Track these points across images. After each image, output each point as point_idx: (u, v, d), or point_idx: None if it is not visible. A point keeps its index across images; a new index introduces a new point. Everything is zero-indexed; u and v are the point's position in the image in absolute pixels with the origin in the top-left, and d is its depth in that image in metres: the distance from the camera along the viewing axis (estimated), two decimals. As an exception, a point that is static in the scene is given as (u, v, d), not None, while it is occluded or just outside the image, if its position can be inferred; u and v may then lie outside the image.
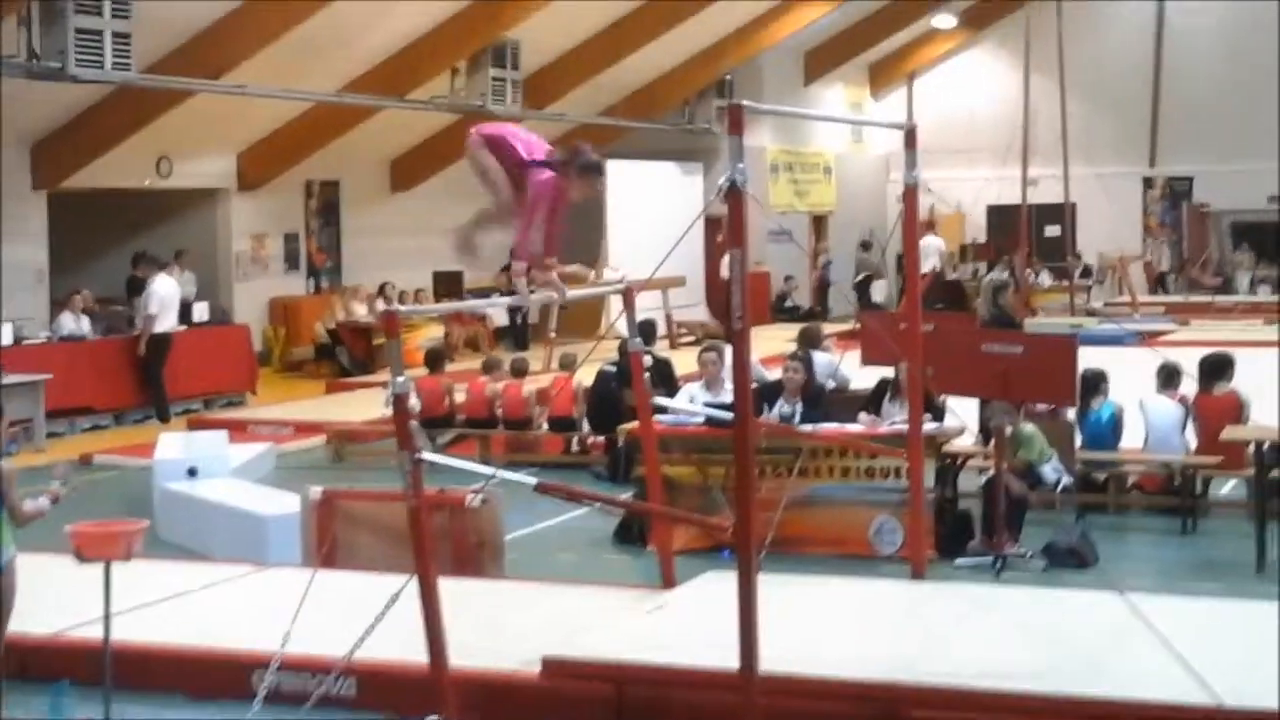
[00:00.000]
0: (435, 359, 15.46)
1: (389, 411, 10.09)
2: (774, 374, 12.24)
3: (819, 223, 30.67)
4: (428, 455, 6.96)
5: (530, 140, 7.54)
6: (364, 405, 16.05)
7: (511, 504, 9.23)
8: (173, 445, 12.06)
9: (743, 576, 6.28)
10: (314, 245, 22.85)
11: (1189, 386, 11.52)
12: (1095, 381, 11.47)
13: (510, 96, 20.79)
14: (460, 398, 14.88)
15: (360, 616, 6.76)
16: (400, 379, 6.70)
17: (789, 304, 28.15)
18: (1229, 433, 10.45)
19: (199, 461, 11.41)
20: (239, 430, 15.21)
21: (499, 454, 14.42)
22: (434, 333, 21.37)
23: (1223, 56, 30.26)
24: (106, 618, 6.57)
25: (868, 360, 12.14)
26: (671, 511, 8.94)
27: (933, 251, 26.71)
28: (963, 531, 10.17)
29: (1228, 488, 11.77)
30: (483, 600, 8.04)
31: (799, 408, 10.88)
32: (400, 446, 6.61)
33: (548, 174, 7.37)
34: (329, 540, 8.79)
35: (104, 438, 16.07)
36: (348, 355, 21.12)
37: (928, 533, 9.42)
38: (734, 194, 6.50)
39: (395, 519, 7.72)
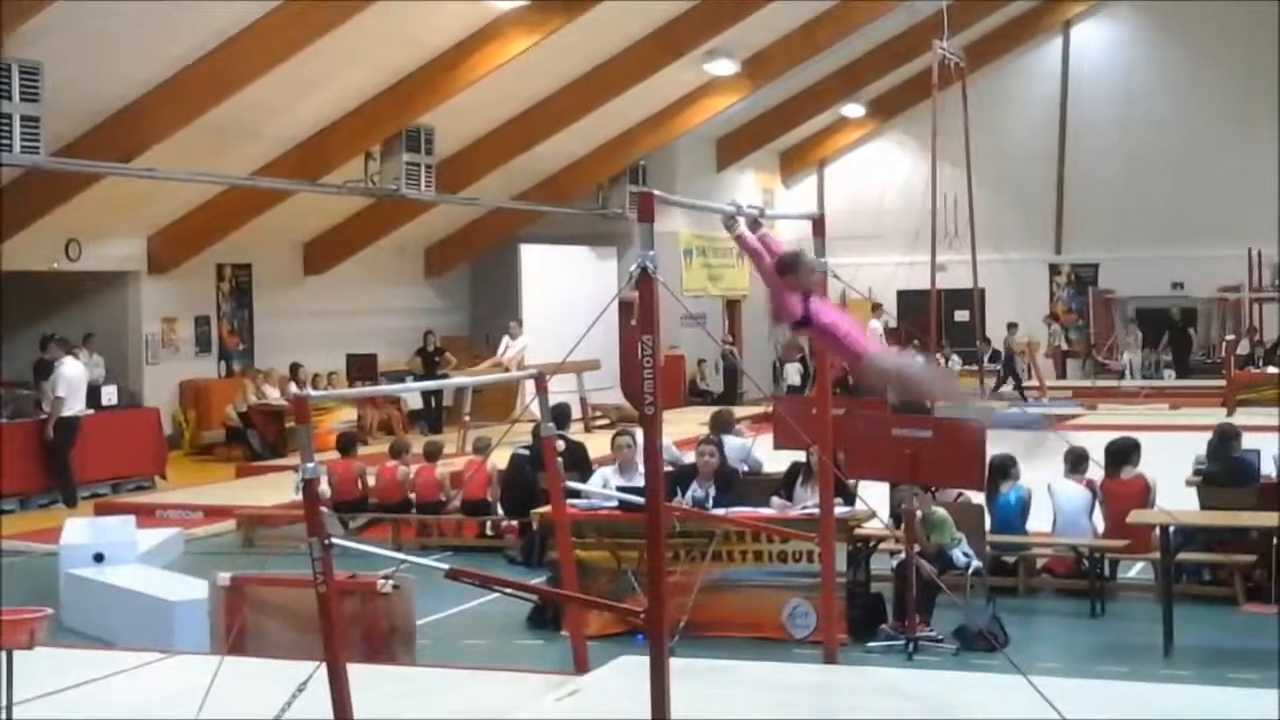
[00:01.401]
0: (348, 443, 15.39)
1: (300, 496, 10.01)
2: (688, 457, 12.27)
3: (732, 307, 30.88)
4: (338, 541, 6.91)
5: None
6: (275, 489, 15.90)
7: (423, 589, 9.16)
8: (79, 530, 11.89)
9: (655, 661, 6.27)
10: (226, 328, 22.71)
11: (1096, 471, 11.67)
12: (1005, 467, 11.62)
13: (424, 181, 20.84)
14: (373, 481, 14.79)
15: (268, 704, 6.68)
16: (310, 464, 6.66)
17: (703, 387, 28.28)
18: (1136, 516, 10.60)
19: (106, 547, 11.25)
20: (147, 515, 15.03)
21: (412, 538, 14.37)
22: (347, 415, 21.29)
23: (1125, 148, 30.98)
24: (8, 707, 6.44)
25: (780, 444, 12.20)
26: (583, 597, 8.90)
27: (877, 334, 26.89)
28: (875, 614, 10.21)
29: (1135, 570, 11.91)
30: (393, 687, 7.96)
31: (712, 491, 10.91)
32: (310, 532, 6.57)
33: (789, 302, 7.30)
34: (237, 626, 8.68)
35: (9, 523, 15.79)
36: (259, 438, 20.95)
37: (840, 616, 9.45)
38: (645, 280, 6.55)
39: (305, 605, 7.63)
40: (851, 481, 10.40)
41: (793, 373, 30.29)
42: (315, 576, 6.55)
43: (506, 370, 21.25)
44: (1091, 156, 31.35)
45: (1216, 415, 19.97)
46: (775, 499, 10.83)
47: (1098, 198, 31.10)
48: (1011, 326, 28.73)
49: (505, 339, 22.74)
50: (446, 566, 7.07)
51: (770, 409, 15.68)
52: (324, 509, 7.25)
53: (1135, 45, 31.75)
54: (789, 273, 7.32)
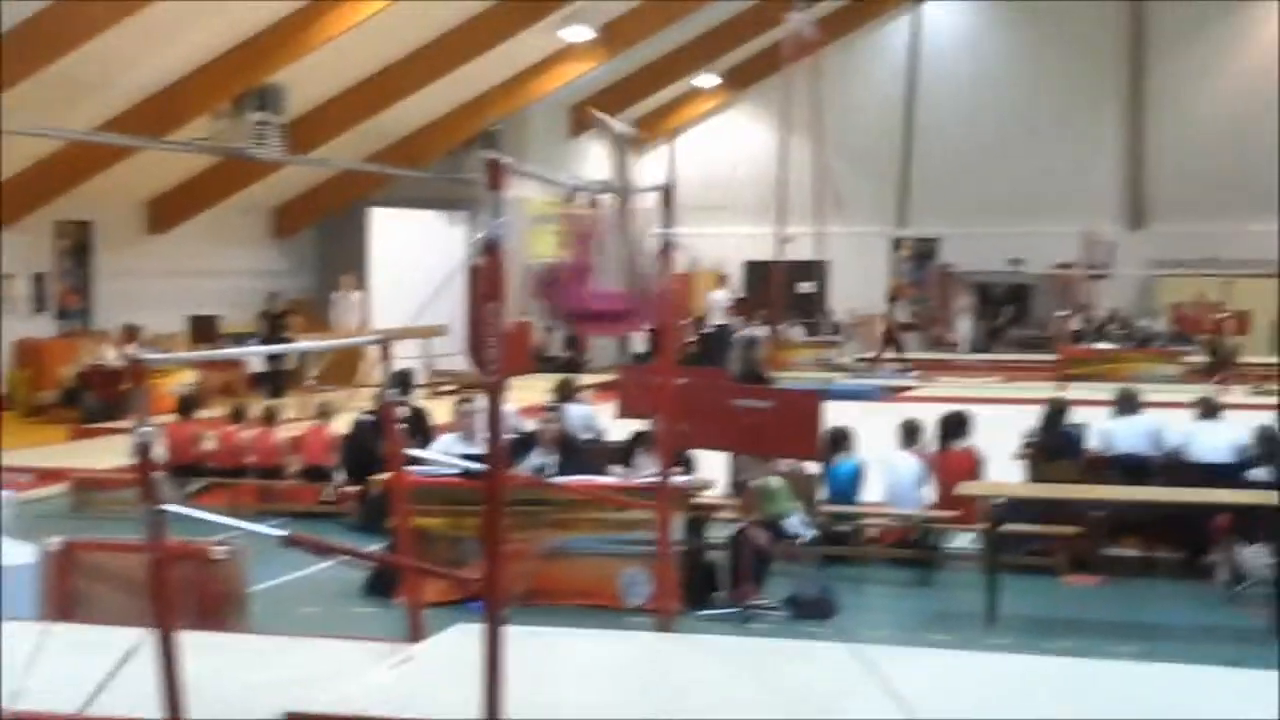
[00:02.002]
0: (187, 405, 15.18)
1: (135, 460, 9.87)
2: (531, 425, 12.33)
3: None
4: (172, 507, 6.86)
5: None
6: (110, 452, 15.61)
7: (260, 555, 9.11)
8: (-96, 493, 11.59)
9: (490, 629, 6.32)
10: (64, 287, 22.21)
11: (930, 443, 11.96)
12: (839, 439, 11.87)
13: (273, 140, 20.55)
14: (211, 445, 14.63)
15: (98, 670, 6.62)
16: (144, 429, 6.59)
17: (550, 354, 28.29)
18: (964, 488, 10.88)
19: (-69, 510, 10.99)
20: (-24, 477, 14.68)
21: (249, 503, 14.24)
22: (187, 378, 20.94)
23: (969, 125, 31.59)
24: None
25: (623, 413, 12.31)
26: (419, 565, 8.91)
27: (721, 305, 27.14)
28: (710, 583, 10.37)
29: (964, 541, 12.22)
30: (226, 654, 7.91)
31: (553, 460, 10.99)
32: (142, 498, 6.51)
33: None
34: (68, 592, 8.57)
35: None
36: (95, 400, 20.54)
37: (675, 585, 9.58)
38: (492, 248, 6.58)
39: (137, 570, 7.54)
40: (690, 451, 10.55)
41: (638, 340, 30.48)
42: (146, 542, 6.49)
43: (353, 333, 21.10)
44: (937, 132, 31.91)
45: (1048, 389, 20.46)
46: (615, 467, 10.93)
47: (942, 173, 31.69)
48: (892, 300, 29.21)
49: (338, 300, 22.58)
50: (283, 532, 7.05)
51: (615, 376, 15.80)
52: (159, 473, 7.18)
53: (982, 25, 32.36)
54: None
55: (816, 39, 24.12)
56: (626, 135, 7.68)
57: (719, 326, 26.88)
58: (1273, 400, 13.51)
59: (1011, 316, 31.43)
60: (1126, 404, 12.25)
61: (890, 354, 27.91)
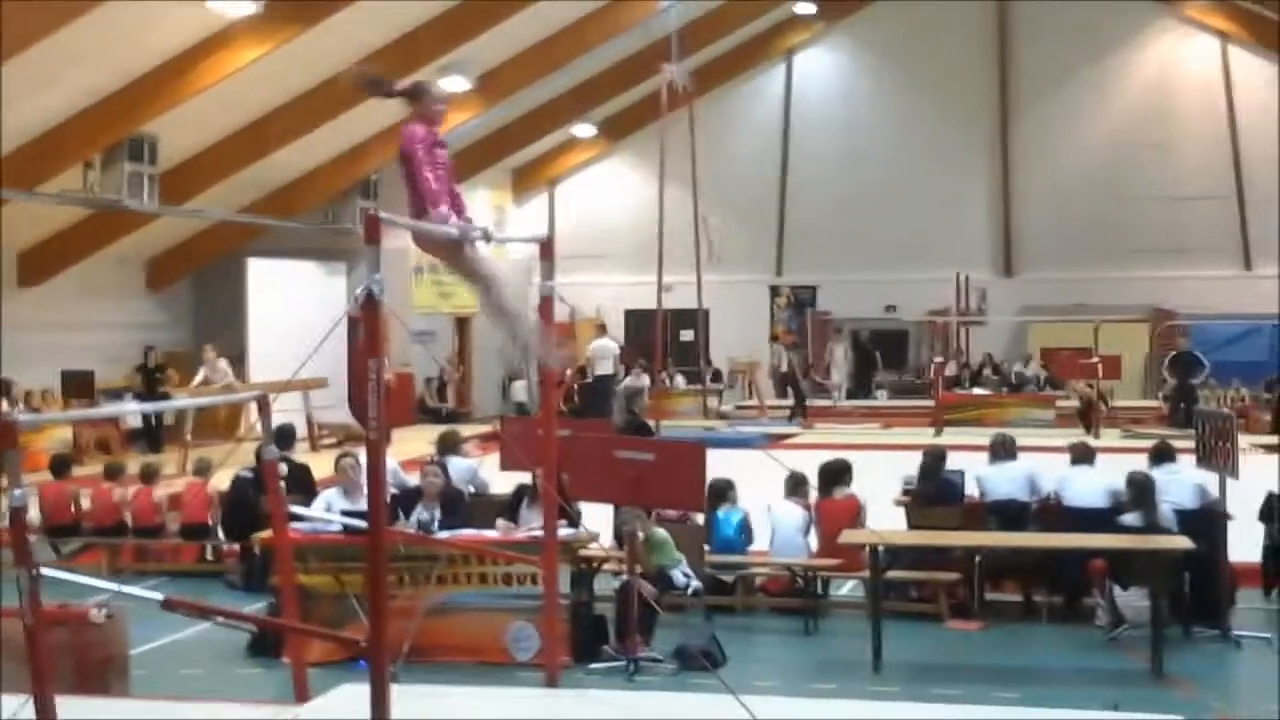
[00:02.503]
0: (60, 465, 14.89)
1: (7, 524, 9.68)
2: (414, 479, 12.25)
3: (463, 324, 30.87)
4: (47, 570, 6.73)
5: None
6: (-18, 512, 15.27)
7: (139, 617, 8.95)
8: None
9: (375, 689, 6.28)
10: (-70, 342, 21.68)
11: (813, 492, 12.05)
12: (723, 490, 11.94)
13: (147, 191, 20.30)
14: (87, 504, 14.35)
15: (-28, 741, 6.46)
16: (18, 492, 6.47)
17: (432, 405, 28.18)
18: (847, 536, 10.98)
19: None
20: None
21: (129, 563, 14.00)
22: (61, 434, 20.55)
23: (843, 174, 32.01)
24: None
25: (507, 466, 12.27)
26: (302, 626, 8.82)
27: (608, 353, 27.20)
28: (597, 636, 10.35)
29: (847, 588, 12.34)
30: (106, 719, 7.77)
31: (437, 514, 10.93)
32: (17, 562, 6.39)
33: (406, 128, 7.56)
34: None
35: None
36: (-35, 458, 20.05)
37: (563, 638, 9.57)
38: (370, 303, 6.57)
39: (13, 636, 7.40)
40: (575, 503, 10.54)
41: (520, 390, 30.50)
42: (22, 607, 6.37)
43: (231, 389, 20.85)
44: (812, 182, 32.31)
45: (925, 435, 20.78)
46: (500, 521, 10.89)
47: (817, 221, 32.05)
48: (794, 347, 29.49)
49: (202, 371, 22.20)
50: (161, 596, 6.96)
51: (497, 428, 15.76)
52: (33, 535, 7.04)
53: (854, 74, 32.84)
54: (415, 99, 7.47)
55: (690, 90, 24.40)
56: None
57: (602, 376, 26.92)
58: (1144, 444, 13.78)
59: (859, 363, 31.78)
60: (1002, 450, 12.44)
61: (791, 398, 28.07)
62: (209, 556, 14.02)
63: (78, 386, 22.62)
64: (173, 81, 19.26)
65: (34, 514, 13.17)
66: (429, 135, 7.56)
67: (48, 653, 6.51)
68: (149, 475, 14.46)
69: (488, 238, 7.83)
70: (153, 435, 22.89)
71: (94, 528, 14.25)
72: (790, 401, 28.00)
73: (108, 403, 21.72)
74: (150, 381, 22.70)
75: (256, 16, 18.59)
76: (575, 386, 27.00)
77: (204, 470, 14.55)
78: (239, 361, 23.30)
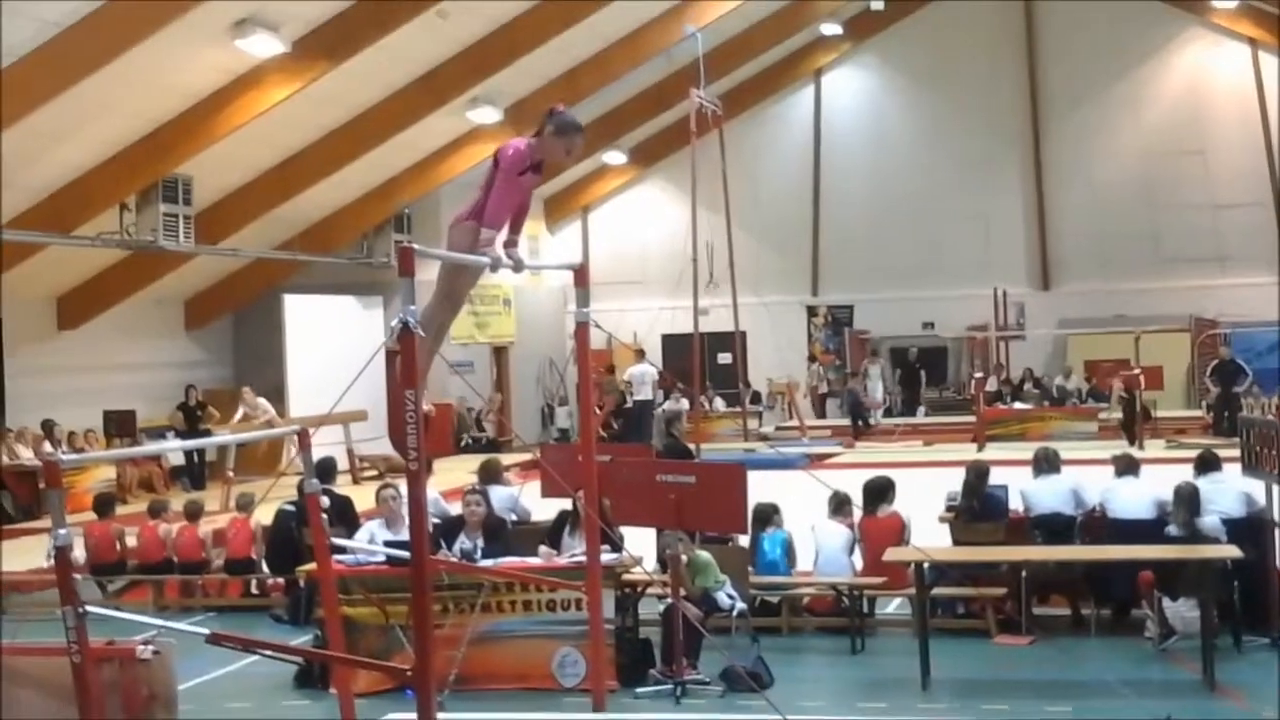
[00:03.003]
0: (104, 504, 14.97)
1: (53, 563, 9.73)
2: (456, 508, 12.26)
3: (500, 354, 30.93)
4: (93, 608, 6.76)
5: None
6: (30, 552, 15.34)
7: (186, 652, 8.96)
8: None
9: (422, 717, 6.27)
10: (-25, 386, 21.86)
11: (856, 511, 12.01)
12: (768, 514, 11.93)
13: (182, 232, 20.44)
14: (132, 542, 14.42)
15: (23, 780, 6.48)
16: (62, 531, 6.50)
17: (472, 436, 28.22)
18: (891, 554, 10.93)
19: None
20: (-109, 584, 14.35)
21: (174, 599, 14.07)
22: (105, 474, 20.69)
23: (875, 192, 31.96)
24: None
25: (547, 493, 12.28)
26: (348, 657, 8.82)
27: (646, 379, 27.20)
28: (643, 660, 10.33)
29: (893, 606, 12.27)
30: (155, 756, 7.78)
31: (480, 542, 10.92)
32: (63, 601, 6.41)
33: (521, 141, 7.45)
34: (-11, 700, 8.38)
35: None
36: (12, 500, 20.20)
37: (609, 663, 9.55)
38: (406, 335, 6.59)
39: (61, 674, 7.41)
40: (617, 528, 10.53)
41: (563, 416, 30.55)
42: (69, 645, 6.39)
43: (271, 424, 20.93)
44: (844, 201, 32.27)
45: (967, 451, 20.67)
46: (542, 548, 10.89)
47: (851, 241, 32.02)
48: (837, 367, 29.55)
49: (241, 410, 22.36)
50: (206, 631, 6.98)
51: (538, 456, 15.76)
52: (79, 574, 7.08)
53: (882, 92, 32.82)
54: (556, 131, 7.46)
55: (720, 114, 24.43)
56: None
57: (642, 401, 26.95)
58: (1189, 454, 13.67)
59: (905, 381, 31.61)
60: (1046, 463, 12.36)
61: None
62: (254, 591, 14.07)
63: (120, 426, 22.78)
64: (204, 122, 19.40)
65: (79, 553, 13.25)
66: (529, 161, 7.45)
67: (96, 690, 6.54)
68: (193, 512, 14.52)
69: (519, 267, 7.81)
70: (195, 472, 23.01)
71: (139, 565, 14.32)
72: (829, 421, 27.96)
73: (150, 441, 21.83)
74: (191, 419, 22.82)
75: (284, 56, 18.72)
76: (614, 412, 27.04)
77: (246, 505, 14.58)
78: (278, 397, 23.40)
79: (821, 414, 31.34)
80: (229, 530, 14.16)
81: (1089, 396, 28.29)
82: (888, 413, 30.03)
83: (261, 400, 22.52)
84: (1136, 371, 24.19)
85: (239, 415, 22.18)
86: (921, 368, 31.26)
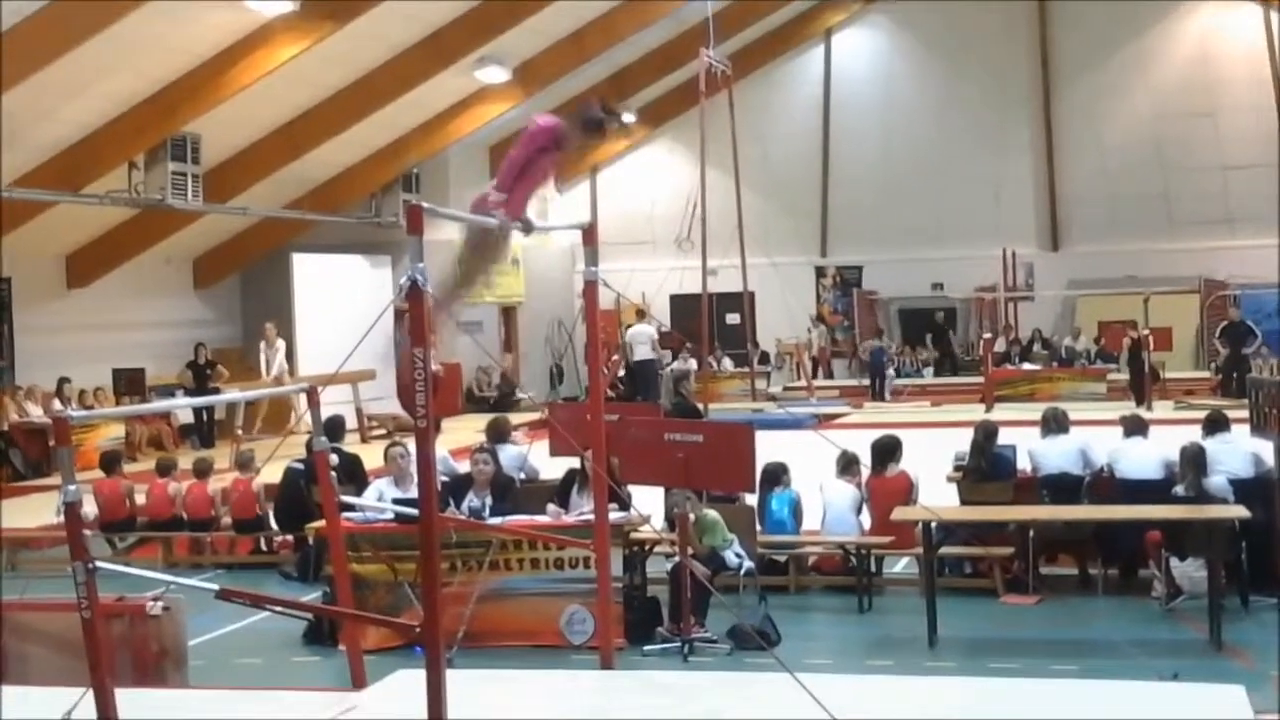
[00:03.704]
0: (112, 461, 15.01)
1: (63, 519, 9.76)
2: (464, 467, 12.29)
3: (509, 313, 30.94)
4: (103, 564, 6.79)
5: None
6: (40, 510, 15.44)
7: (196, 608, 9.01)
8: None
9: (431, 674, 6.30)
10: (-16, 345, 21.92)
11: (864, 470, 12.01)
12: (777, 473, 11.93)
13: (191, 190, 20.43)
14: (142, 499, 14.47)
15: (34, 734, 6.52)
16: (72, 487, 6.52)
17: (481, 394, 28.26)
18: (899, 513, 10.94)
19: None
20: (-99, 540, 14.43)
21: (183, 556, 14.12)
22: (114, 432, 20.76)
23: (885, 153, 31.87)
24: None
25: (556, 451, 12.29)
26: (357, 613, 8.86)
27: (645, 338, 27.21)
28: (651, 618, 10.36)
29: (900, 565, 12.29)
30: (165, 711, 7.82)
31: (488, 501, 10.95)
32: (73, 556, 6.44)
33: (548, 120, 7.58)
34: (0, 655, 8.43)
35: None
36: (22, 458, 20.28)
37: (617, 621, 9.57)
38: (415, 293, 6.57)
39: (71, 630, 7.46)
40: (625, 486, 10.54)
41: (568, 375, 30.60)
42: (79, 601, 6.42)
43: (280, 381, 20.98)
44: (854, 161, 32.20)
45: (975, 411, 20.67)
46: (551, 506, 10.90)
47: (860, 201, 31.96)
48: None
49: (262, 350, 22.60)
50: (216, 587, 7.00)
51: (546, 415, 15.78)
52: (89, 530, 7.10)
53: (893, 53, 32.69)
54: (594, 129, 7.62)
55: (729, 73, 24.34)
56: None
57: (643, 361, 26.95)
58: (1197, 415, 13.66)
59: (938, 343, 31.58)
60: (1054, 423, 12.35)
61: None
62: (263, 548, 14.12)
63: (129, 384, 22.85)
64: (212, 81, 19.38)
65: (89, 509, 13.29)
66: (552, 140, 7.58)
67: (106, 646, 6.57)
68: (202, 470, 14.56)
69: (528, 229, 7.83)
70: (204, 430, 23.08)
71: (149, 522, 14.36)
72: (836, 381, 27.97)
73: (159, 399, 21.88)
74: (200, 377, 22.87)
75: (293, 15, 18.67)
76: (620, 372, 27.04)
77: (246, 464, 14.57)
78: (286, 356, 23.44)
79: (829, 374, 31.35)
80: (232, 491, 14.19)
81: (1098, 357, 28.27)
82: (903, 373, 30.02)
83: (281, 342, 22.72)
84: (1145, 332, 24.14)
85: (263, 359, 22.46)
86: (949, 327, 31.25)
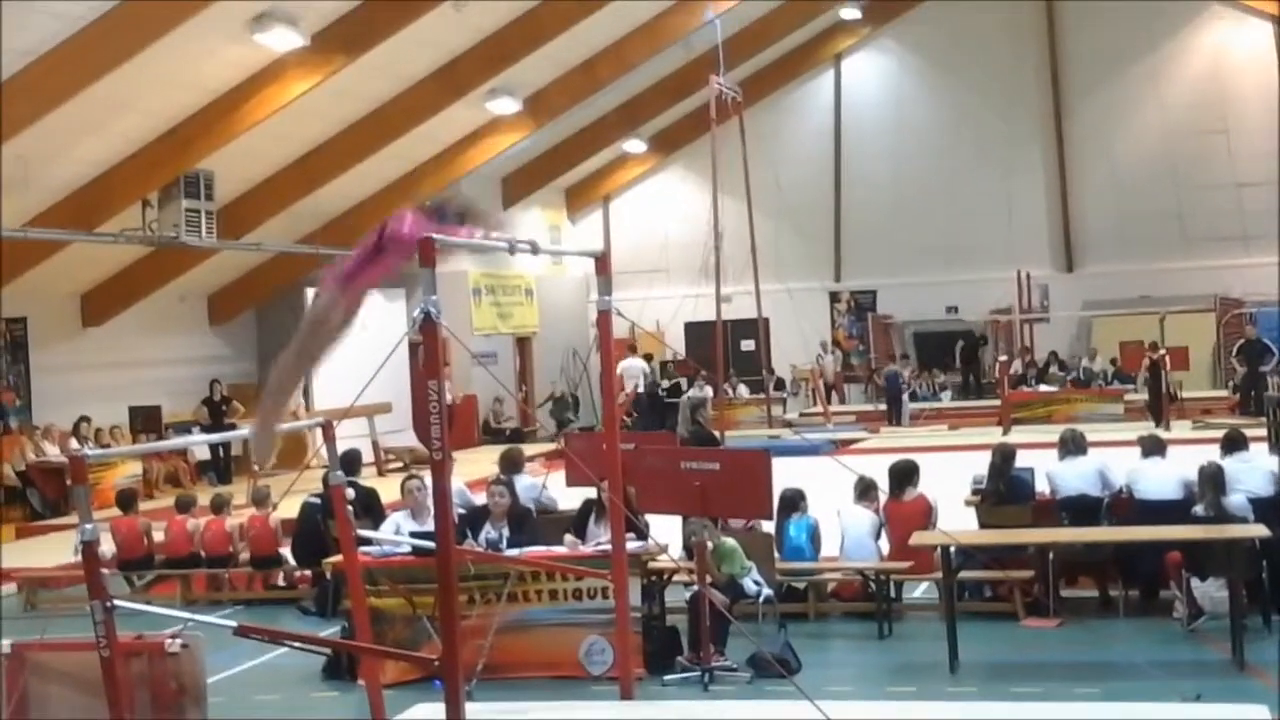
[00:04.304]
0: (129, 499, 15.02)
1: (80, 557, 9.76)
2: (481, 499, 12.27)
3: (523, 344, 30.97)
4: (121, 602, 6.79)
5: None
6: (58, 549, 15.43)
7: (214, 645, 8.98)
8: None
9: (450, 707, 6.29)
10: (1, 384, 21.95)
11: (882, 495, 11.97)
12: (794, 500, 11.91)
13: (205, 227, 20.48)
14: (160, 537, 14.47)
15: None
16: (89, 525, 6.53)
17: (497, 426, 28.26)
18: (917, 538, 10.89)
19: (-124, 618, 10.80)
20: (-78, 581, 14.46)
21: (202, 592, 14.12)
22: (131, 469, 20.78)
23: (896, 177, 31.90)
24: None
25: (572, 482, 12.28)
26: (375, 648, 8.84)
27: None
28: (670, 647, 10.32)
29: (920, 590, 12.24)
30: (185, 748, 7.81)
31: (505, 532, 10.93)
32: (91, 595, 6.44)
33: (413, 229, 7.31)
34: (18, 695, 8.42)
35: None
36: (39, 497, 20.31)
37: (636, 651, 9.54)
38: (428, 325, 6.58)
39: (90, 669, 7.45)
40: (642, 516, 10.51)
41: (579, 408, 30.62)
42: (98, 640, 6.42)
43: (296, 416, 20.97)
44: (866, 185, 32.22)
45: (993, 434, 20.62)
46: (568, 537, 10.88)
47: (874, 225, 31.98)
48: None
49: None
50: (234, 624, 7.00)
51: (561, 445, 15.78)
52: (107, 569, 7.10)
53: (902, 76, 32.74)
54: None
55: (739, 100, 24.39)
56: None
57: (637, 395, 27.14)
58: (1215, 434, 13.60)
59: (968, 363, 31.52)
60: (1072, 445, 12.30)
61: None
62: (281, 583, 14.10)
63: (146, 422, 22.88)
64: (225, 117, 19.44)
65: (106, 548, 13.29)
66: (410, 253, 7.28)
67: (125, 684, 6.56)
68: (219, 506, 14.56)
69: (535, 250, 7.86)
70: (221, 466, 23.10)
71: (167, 559, 14.36)
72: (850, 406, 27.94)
73: (176, 436, 21.90)
74: (216, 414, 22.90)
75: (303, 50, 18.73)
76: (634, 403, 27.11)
77: (262, 501, 14.56)
78: (302, 391, 23.44)
79: (842, 399, 31.33)
80: (249, 528, 14.18)
81: (1114, 378, 28.20)
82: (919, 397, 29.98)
83: None
84: (1163, 352, 24.07)
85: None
86: (980, 343, 31.18)
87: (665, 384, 29.97)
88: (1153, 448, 12.06)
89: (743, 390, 29.11)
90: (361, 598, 8.72)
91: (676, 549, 11.22)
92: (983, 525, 12.00)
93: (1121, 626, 10.95)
